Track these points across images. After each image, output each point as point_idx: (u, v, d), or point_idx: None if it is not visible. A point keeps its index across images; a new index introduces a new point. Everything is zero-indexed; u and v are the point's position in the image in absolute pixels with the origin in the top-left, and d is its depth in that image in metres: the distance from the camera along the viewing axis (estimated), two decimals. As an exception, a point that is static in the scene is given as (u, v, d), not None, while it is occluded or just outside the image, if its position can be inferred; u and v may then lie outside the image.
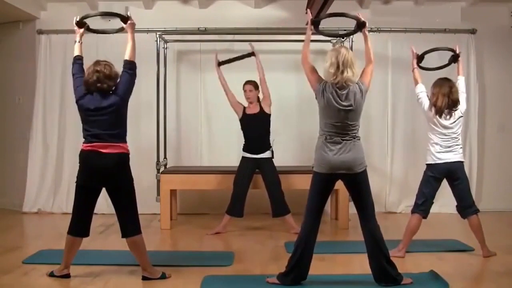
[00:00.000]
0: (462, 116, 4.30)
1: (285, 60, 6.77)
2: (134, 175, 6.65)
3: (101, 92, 3.59)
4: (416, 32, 6.51)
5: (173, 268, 3.97)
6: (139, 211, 6.36)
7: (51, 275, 3.70)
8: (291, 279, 3.51)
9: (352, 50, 6.02)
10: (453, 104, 4.22)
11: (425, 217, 4.28)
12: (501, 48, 6.80)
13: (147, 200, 6.31)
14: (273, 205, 5.27)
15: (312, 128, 6.64)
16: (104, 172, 3.55)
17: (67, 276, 3.69)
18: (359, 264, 4.14)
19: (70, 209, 6.39)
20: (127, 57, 3.73)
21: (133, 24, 3.83)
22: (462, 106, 4.30)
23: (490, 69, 6.83)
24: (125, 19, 3.82)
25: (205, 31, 6.23)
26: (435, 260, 4.20)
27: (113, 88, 3.62)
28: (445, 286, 3.49)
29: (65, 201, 6.60)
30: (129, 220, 3.63)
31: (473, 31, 6.64)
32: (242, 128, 5.44)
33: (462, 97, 4.32)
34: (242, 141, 6.55)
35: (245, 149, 5.39)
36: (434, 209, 6.28)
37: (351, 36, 6.07)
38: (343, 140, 3.42)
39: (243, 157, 5.38)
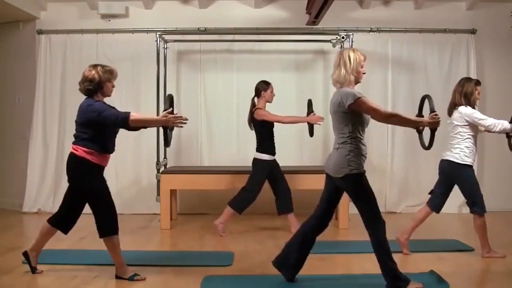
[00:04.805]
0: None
1: (285, 60, 6.78)
2: (134, 175, 6.73)
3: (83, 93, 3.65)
4: (416, 32, 6.52)
5: (173, 268, 3.98)
6: (140, 211, 6.45)
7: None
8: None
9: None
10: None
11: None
12: (501, 48, 6.80)
13: (147, 200, 6.33)
14: (283, 202, 5.27)
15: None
16: None
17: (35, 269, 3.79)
18: (359, 264, 4.14)
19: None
20: (132, 115, 3.49)
21: (165, 120, 3.59)
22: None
23: (490, 69, 6.83)
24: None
25: (205, 31, 6.24)
26: (435, 260, 4.20)
27: (91, 93, 3.59)
28: (445, 286, 3.49)
29: (65, 201, 6.60)
30: (96, 222, 3.64)
31: (473, 31, 6.64)
32: (271, 131, 5.24)
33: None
34: (241, 141, 6.60)
35: (272, 151, 5.23)
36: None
37: (351, 36, 6.08)
38: (337, 142, 3.41)
39: (269, 160, 5.21)
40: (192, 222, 6.02)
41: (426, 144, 3.60)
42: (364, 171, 3.37)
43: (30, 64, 6.76)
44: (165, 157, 6.37)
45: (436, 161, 6.70)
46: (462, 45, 6.71)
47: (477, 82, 4.36)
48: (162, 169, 6.07)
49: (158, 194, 5.85)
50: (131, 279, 3.65)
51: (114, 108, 3.67)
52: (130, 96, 6.54)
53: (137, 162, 6.66)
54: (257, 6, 6.76)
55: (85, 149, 3.54)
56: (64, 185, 6.57)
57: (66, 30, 6.60)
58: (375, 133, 6.60)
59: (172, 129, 3.82)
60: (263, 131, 5.20)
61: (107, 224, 3.60)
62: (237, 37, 6.59)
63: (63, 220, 3.72)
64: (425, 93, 6.89)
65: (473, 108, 4.28)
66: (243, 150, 6.59)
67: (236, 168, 5.88)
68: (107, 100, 3.72)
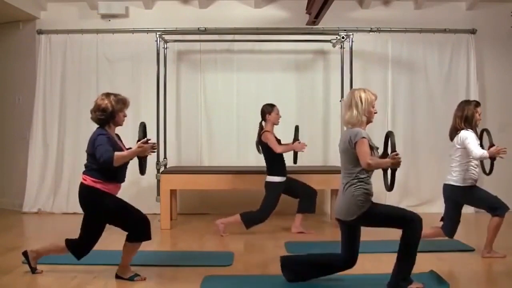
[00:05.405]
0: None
1: (285, 60, 6.78)
2: (134, 175, 6.69)
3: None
4: (416, 32, 6.52)
5: (173, 268, 3.98)
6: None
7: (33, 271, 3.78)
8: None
9: (351, 50, 6.05)
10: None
11: None
12: (501, 48, 6.80)
13: (147, 200, 6.31)
14: (305, 201, 5.32)
15: (312, 128, 6.68)
16: None
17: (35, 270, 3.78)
18: (360, 264, 4.12)
19: (70, 209, 6.50)
20: (115, 155, 3.47)
21: (142, 149, 3.62)
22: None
23: (490, 69, 6.83)
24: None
25: (205, 31, 6.23)
26: (435, 260, 4.19)
27: (103, 122, 3.59)
28: (445, 286, 3.48)
29: (65, 201, 6.61)
30: (125, 230, 3.65)
31: (473, 31, 6.64)
32: (280, 155, 5.20)
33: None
34: (241, 141, 6.60)
35: (283, 173, 5.22)
36: (434, 209, 6.31)
37: (351, 36, 6.08)
38: (342, 183, 3.37)
39: (281, 182, 5.20)
40: (192, 222, 6.02)
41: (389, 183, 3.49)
42: (371, 202, 3.31)
43: (30, 64, 6.76)
44: (165, 157, 6.37)
45: (436, 161, 6.73)
46: (462, 45, 6.71)
47: (477, 104, 4.35)
48: (162, 169, 6.07)
49: (158, 194, 5.85)
50: (131, 279, 3.65)
51: (119, 140, 3.69)
52: (130, 96, 6.31)
53: (137, 162, 6.63)
54: (257, 6, 6.76)
55: (93, 179, 3.54)
56: (64, 185, 6.69)
57: (66, 30, 6.60)
58: (375, 133, 6.57)
59: (146, 157, 3.84)
60: (272, 153, 5.17)
61: (137, 231, 3.61)
62: (237, 37, 6.58)
63: (80, 248, 3.67)
64: (426, 93, 6.95)
65: (475, 130, 4.27)
66: (243, 150, 6.60)
67: (236, 168, 5.88)
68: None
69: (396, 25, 6.53)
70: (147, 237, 3.65)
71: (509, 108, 6.76)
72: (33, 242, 5.05)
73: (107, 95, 3.62)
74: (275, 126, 5.26)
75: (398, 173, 6.71)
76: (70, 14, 6.78)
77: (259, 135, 5.25)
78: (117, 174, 3.61)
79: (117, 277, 3.68)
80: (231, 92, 6.75)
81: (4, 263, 4.09)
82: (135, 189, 6.59)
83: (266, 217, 5.18)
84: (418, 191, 6.70)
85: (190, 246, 4.86)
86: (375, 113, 3.40)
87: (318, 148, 6.67)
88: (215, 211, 6.23)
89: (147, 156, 3.81)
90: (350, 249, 3.43)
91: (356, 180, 3.29)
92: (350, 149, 3.28)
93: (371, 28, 6.40)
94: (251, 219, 5.16)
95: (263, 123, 5.28)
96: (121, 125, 3.69)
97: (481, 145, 4.32)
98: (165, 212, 5.59)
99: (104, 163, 3.44)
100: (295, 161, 5.44)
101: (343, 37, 6.10)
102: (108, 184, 3.56)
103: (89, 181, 3.55)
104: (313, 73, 6.79)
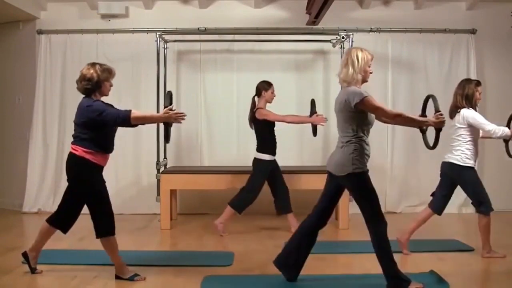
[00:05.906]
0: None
1: (285, 60, 6.78)
2: (134, 175, 6.73)
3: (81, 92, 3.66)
4: (416, 32, 6.52)
5: (173, 268, 3.98)
6: (140, 211, 6.45)
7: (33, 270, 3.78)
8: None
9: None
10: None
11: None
12: (501, 48, 6.80)
13: (147, 200, 6.33)
14: (282, 202, 5.29)
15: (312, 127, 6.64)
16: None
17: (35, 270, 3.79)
18: (360, 264, 4.14)
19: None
20: (133, 113, 3.50)
21: (167, 116, 3.61)
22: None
23: (490, 69, 6.83)
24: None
25: (205, 31, 6.24)
26: (435, 260, 4.20)
27: (89, 92, 3.59)
28: (445, 286, 3.49)
29: (65, 201, 6.60)
30: (94, 222, 3.64)
31: (473, 31, 6.65)
32: (272, 131, 5.22)
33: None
34: (241, 141, 6.60)
35: (273, 151, 5.23)
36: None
37: (351, 36, 6.08)
38: (341, 142, 3.41)
39: (270, 160, 5.19)
40: (192, 222, 6.02)
41: (431, 144, 3.59)
42: (367, 170, 3.36)
43: (30, 64, 6.77)
44: (165, 157, 6.37)
45: (436, 161, 6.69)
46: (462, 45, 6.71)
47: (478, 83, 4.36)
48: (162, 169, 6.07)
49: (158, 194, 5.85)
50: (131, 279, 3.65)
51: (112, 106, 3.66)
52: (130, 96, 6.54)
53: (137, 162, 6.66)
54: (257, 6, 6.76)
55: (84, 149, 3.55)
56: (64, 185, 6.59)
57: (66, 30, 6.60)
58: (375, 133, 6.53)
59: (171, 125, 3.86)
60: (264, 130, 5.19)
61: (105, 224, 3.60)
62: (237, 37, 6.59)
63: (62, 219, 3.72)
64: (426, 93, 6.87)
65: (475, 109, 4.28)
66: (243, 150, 6.59)
67: (236, 168, 5.88)
68: (104, 99, 3.72)
69: (396, 25, 6.54)
70: (112, 231, 3.62)
71: (509, 108, 6.73)
72: (33, 242, 5.06)
73: (93, 64, 3.63)
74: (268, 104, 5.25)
75: (398, 172, 6.76)
76: (70, 14, 6.78)
77: (252, 111, 5.25)
78: (107, 144, 3.63)
79: (117, 277, 3.68)
80: (231, 92, 6.75)
81: (4, 263, 4.10)
82: (135, 189, 6.61)
83: (254, 197, 5.14)
84: (418, 191, 6.69)
85: (190, 246, 4.86)
86: (370, 73, 3.41)
87: (318, 148, 6.67)
88: (215, 211, 6.22)
89: (172, 124, 3.90)
90: (326, 205, 3.50)
91: (356, 139, 3.32)
92: (346, 108, 3.30)
93: (371, 28, 6.41)
94: (240, 204, 5.14)
95: (256, 99, 5.28)
96: (106, 95, 3.69)
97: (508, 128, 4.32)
98: (165, 212, 5.59)
99: (123, 123, 3.48)
100: (314, 134, 5.43)
101: (343, 37, 6.10)
102: (97, 155, 3.57)
103: (80, 151, 3.55)
104: (313, 73, 6.79)
